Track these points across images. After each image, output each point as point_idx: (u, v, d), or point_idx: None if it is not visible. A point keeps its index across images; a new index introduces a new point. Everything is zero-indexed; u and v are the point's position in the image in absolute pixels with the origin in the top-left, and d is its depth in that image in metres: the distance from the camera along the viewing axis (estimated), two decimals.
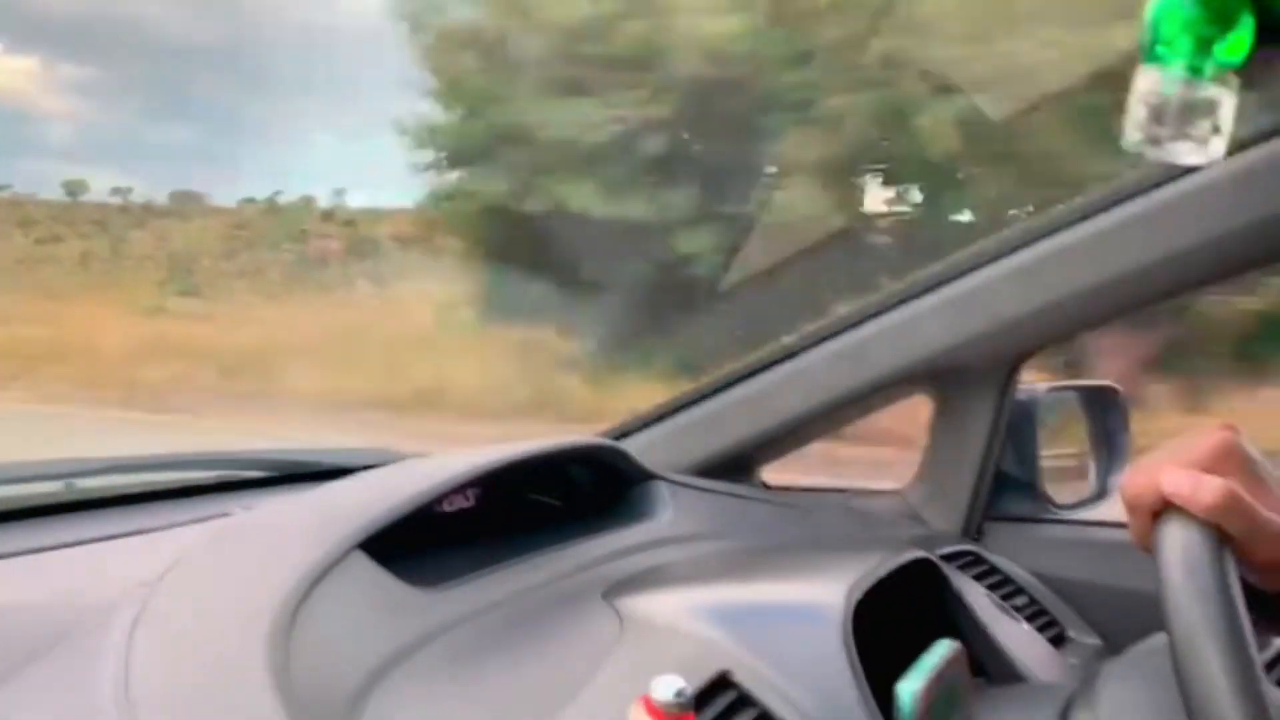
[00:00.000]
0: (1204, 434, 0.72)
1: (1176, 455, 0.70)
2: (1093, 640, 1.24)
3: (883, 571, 0.91)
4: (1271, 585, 0.73)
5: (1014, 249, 1.20)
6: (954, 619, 1.01)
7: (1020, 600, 1.20)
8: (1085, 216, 1.16)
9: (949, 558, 1.21)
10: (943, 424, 1.36)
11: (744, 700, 0.75)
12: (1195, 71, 0.38)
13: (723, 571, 0.99)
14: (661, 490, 1.23)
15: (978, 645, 0.99)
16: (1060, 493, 1.42)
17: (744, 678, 0.76)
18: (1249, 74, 0.42)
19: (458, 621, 0.82)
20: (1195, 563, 0.64)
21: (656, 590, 0.90)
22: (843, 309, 1.34)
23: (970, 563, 1.22)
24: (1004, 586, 1.21)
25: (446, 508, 1.10)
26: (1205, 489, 0.66)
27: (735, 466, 1.43)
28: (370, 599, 0.81)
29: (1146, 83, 0.38)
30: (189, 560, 0.77)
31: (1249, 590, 0.80)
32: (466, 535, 1.06)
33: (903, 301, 1.29)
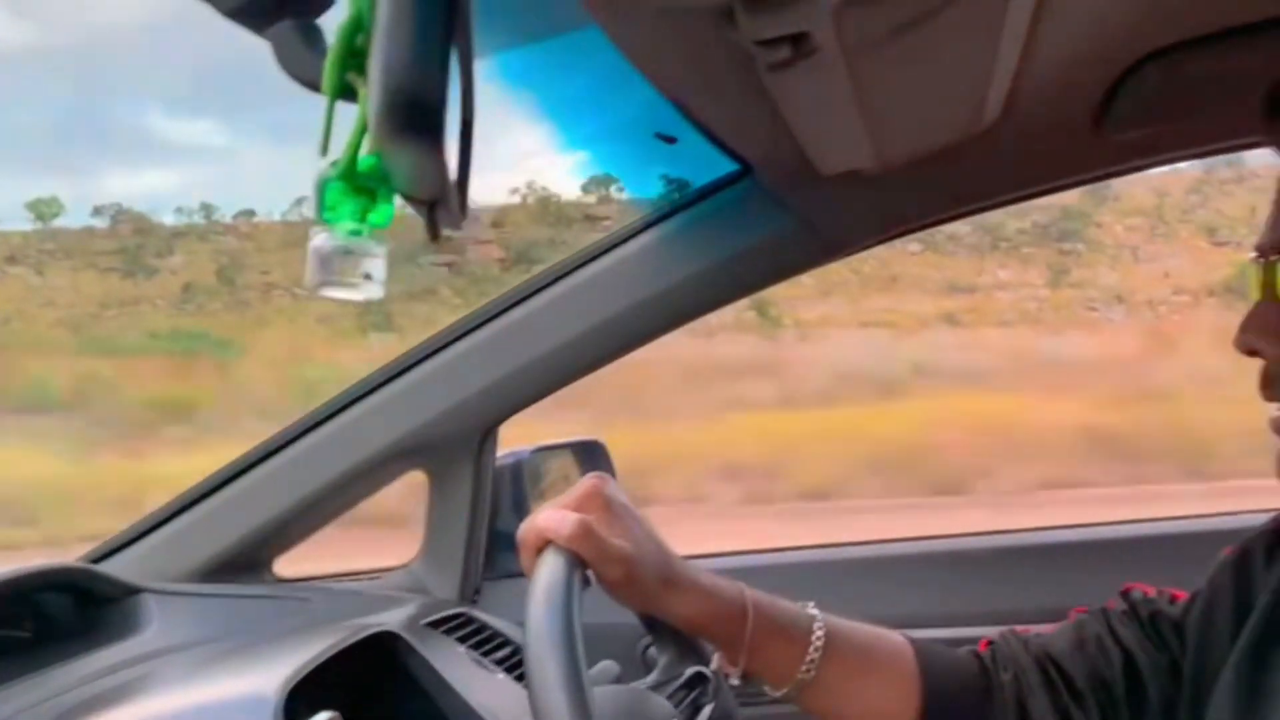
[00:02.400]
0: (581, 483, 0.88)
1: (559, 502, 0.85)
2: None
3: (329, 654, 0.97)
4: (629, 603, 0.89)
5: (470, 330, 1.33)
6: (423, 682, 1.10)
7: (505, 652, 1.31)
8: (526, 297, 1.31)
9: (439, 623, 1.29)
10: (434, 496, 1.45)
11: None
12: (355, 233, 0.48)
13: (174, 679, 1.01)
14: (147, 603, 1.22)
15: (446, 703, 1.08)
16: None
17: None
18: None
19: None
20: (550, 579, 0.78)
21: (100, 713, 0.90)
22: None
23: (459, 625, 1.32)
24: (490, 642, 1.31)
25: None
26: (565, 523, 0.81)
27: (245, 564, 1.43)
28: None
29: (317, 239, 0.48)
30: None
31: (667, 628, 0.96)
32: None
33: (382, 384, 1.37)
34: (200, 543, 1.41)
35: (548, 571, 0.79)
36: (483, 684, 1.17)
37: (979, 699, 0.92)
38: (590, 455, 1.71)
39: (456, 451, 1.41)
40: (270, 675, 0.91)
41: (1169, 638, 0.90)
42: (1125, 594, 0.95)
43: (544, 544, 0.82)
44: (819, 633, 0.91)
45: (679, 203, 1.24)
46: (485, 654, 1.28)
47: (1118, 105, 1.02)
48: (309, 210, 0.49)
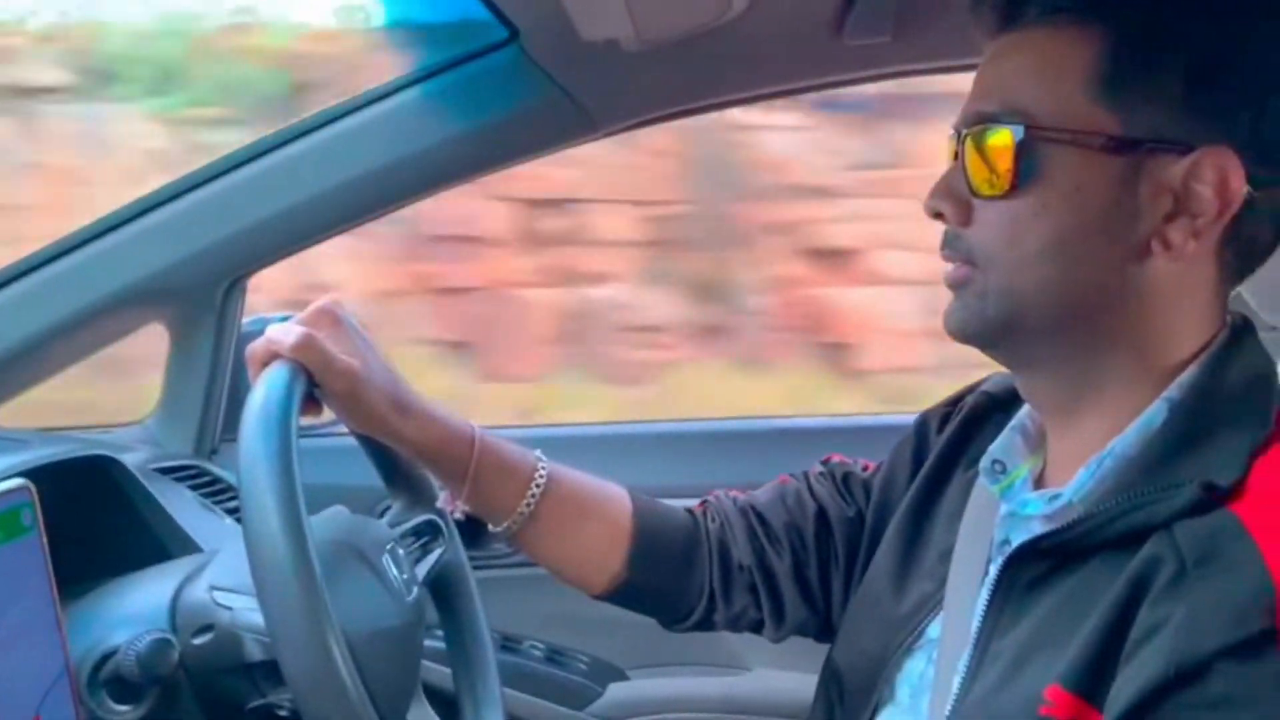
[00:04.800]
0: (315, 303, 0.89)
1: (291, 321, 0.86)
2: None
3: (39, 462, 0.94)
4: (357, 423, 0.90)
5: (214, 177, 1.29)
6: (141, 511, 1.08)
7: (236, 503, 1.29)
8: (276, 147, 1.28)
9: (167, 470, 1.27)
10: (174, 350, 1.41)
11: None
12: None
13: None
14: None
15: (160, 527, 1.08)
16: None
17: None
18: None
19: None
20: (270, 385, 0.78)
21: None
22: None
23: (192, 475, 1.29)
24: (221, 494, 1.29)
25: None
26: (291, 333, 0.83)
27: None
28: None
29: None
30: None
31: (400, 471, 0.97)
32: None
33: (119, 225, 1.31)
34: None
35: (269, 378, 0.79)
36: (205, 523, 1.16)
37: (685, 545, 0.99)
38: None
39: (197, 304, 1.36)
40: None
41: (857, 494, 1.01)
42: (825, 462, 1.06)
43: (271, 358, 0.83)
44: (542, 471, 0.95)
45: (442, 64, 1.24)
46: (215, 503, 1.26)
47: (858, 9, 1.10)
48: None
